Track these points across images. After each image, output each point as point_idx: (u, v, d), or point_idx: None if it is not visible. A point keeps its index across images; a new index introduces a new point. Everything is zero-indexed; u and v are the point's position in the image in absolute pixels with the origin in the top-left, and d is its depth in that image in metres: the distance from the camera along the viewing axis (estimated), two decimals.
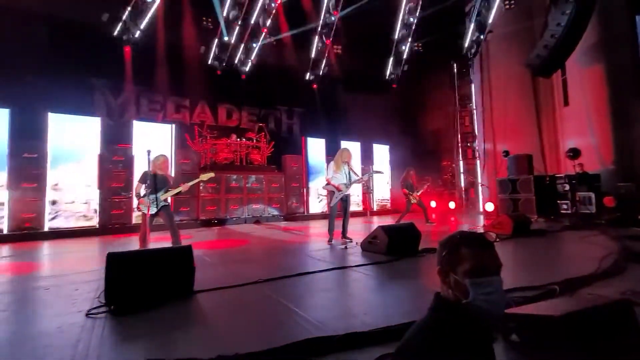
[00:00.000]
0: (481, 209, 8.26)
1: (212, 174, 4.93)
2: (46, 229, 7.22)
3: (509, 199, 8.98)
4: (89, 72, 9.13)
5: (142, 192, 4.52)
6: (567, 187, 8.43)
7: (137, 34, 9.30)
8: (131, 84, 9.82)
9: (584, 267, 3.39)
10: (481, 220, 7.90)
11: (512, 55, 10.37)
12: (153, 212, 4.42)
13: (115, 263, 2.70)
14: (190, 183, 4.66)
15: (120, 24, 9.01)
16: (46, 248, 6.07)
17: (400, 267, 3.93)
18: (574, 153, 7.73)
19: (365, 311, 2.53)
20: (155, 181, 4.45)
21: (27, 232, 6.93)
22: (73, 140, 7.74)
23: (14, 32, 8.01)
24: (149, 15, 9.25)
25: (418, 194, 8.12)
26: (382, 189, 12.82)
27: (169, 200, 4.77)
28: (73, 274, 3.89)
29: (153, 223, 4.55)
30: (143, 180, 4.52)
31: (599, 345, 1.68)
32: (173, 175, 7.59)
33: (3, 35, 7.89)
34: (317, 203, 11.14)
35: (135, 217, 7.90)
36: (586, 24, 7.32)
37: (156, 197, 4.41)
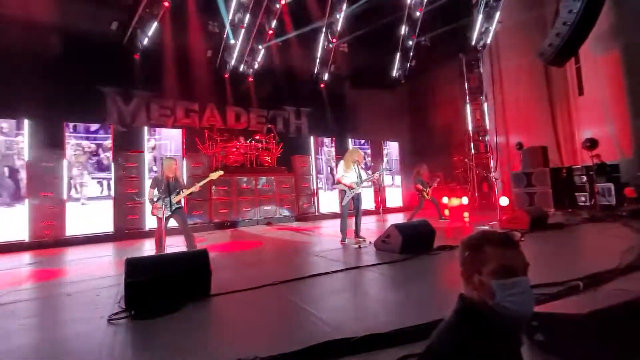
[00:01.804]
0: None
1: (221, 172, 5.00)
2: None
3: (524, 193, 8.80)
4: (100, 81, 9.33)
5: (155, 197, 4.62)
6: (585, 179, 8.21)
7: (145, 41, 9.46)
8: (141, 90, 9.99)
9: (607, 261, 3.29)
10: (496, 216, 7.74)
11: (523, 46, 10.13)
12: (167, 215, 4.54)
13: (133, 268, 2.75)
14: (201, 183, 4.77)
15: (128, 32, 9.18)
16: (65, 255, 6.22)
17: (415, 265, 3.88)
18: (592, 143, 7.51)
19: (383, 311, 2.51)
20: (168, 185, 4.55)
21: (46, 239, 7.12)
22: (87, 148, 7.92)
23: (29, 44, 8.23)
24: (156, 22, 9.39)
25: (429, 190, 8.02)
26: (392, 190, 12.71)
27: (182, 203, 4.85)
28: (93, 280, 3.98)
29: (168, 226, 4.63)
30: (154, 185, 4.64)
31: (627, 343, 1.63)
32: (185, 177, 7.70)
33: (19, 48, 8.12)
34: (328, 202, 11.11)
35: (150, 222, 8.02)
36: (600, 9, 7.08)
37: (170, 201, 4.50)
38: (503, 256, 0.97)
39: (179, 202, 4.69)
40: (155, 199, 4.60)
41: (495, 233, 1.05)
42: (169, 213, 4.54)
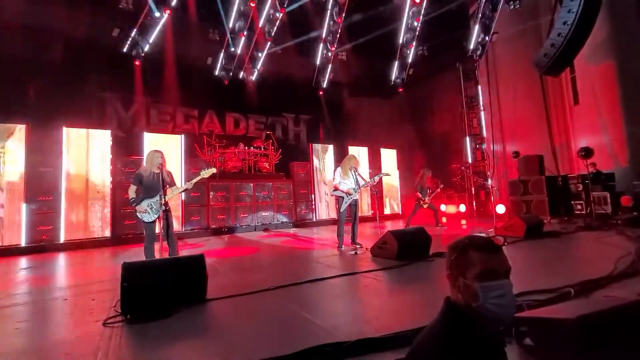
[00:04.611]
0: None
1: (213, 170, 4.49)
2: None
3: (520, 201, 8.85)
4: (101, 86, 9.42)
5: (136, 198, 4.13)
6: (581, 187, 8.28)
7: (146, 48, 9.57)
8: (141, 96, 10.08)
9: (600, 269, 3.32)
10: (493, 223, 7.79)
11: (519, 56, 10.30)
12: (155, 218, 4.12)
13: (130, 272, 2.76)
14: (193, 180, 4.29)
15: (130, 39, 9.30)
16: (62, 259, 6.21)
17: (410, 272, 3.90)
18: (587, 152, 7.59)
19: (377, 317, 2.53)
20: (162, 181, 4.08)
21: (43, 244, 7.10)
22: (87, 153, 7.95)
23: (30, 49, 8.32)
24: (157, 29, 9.51)
25: (429, 199, 8.07)
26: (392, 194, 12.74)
27: (170, 205, 4.34)
28: (89, 284, 3.98)
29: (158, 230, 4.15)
30: (138, 181, 4.15)
31: (615, 348, 1.66)
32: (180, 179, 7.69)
33: (19, 52, 8.20)
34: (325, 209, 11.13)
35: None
36: (594, 21, 7.23)
37: (160, 200, 4.06)
38: (486, 260, 1.01)
39: (167, 203, 4.18)
40: (139, 201, 4.09)
41: (479, 238, 1.09)
42: (157, 215, 4.06)
